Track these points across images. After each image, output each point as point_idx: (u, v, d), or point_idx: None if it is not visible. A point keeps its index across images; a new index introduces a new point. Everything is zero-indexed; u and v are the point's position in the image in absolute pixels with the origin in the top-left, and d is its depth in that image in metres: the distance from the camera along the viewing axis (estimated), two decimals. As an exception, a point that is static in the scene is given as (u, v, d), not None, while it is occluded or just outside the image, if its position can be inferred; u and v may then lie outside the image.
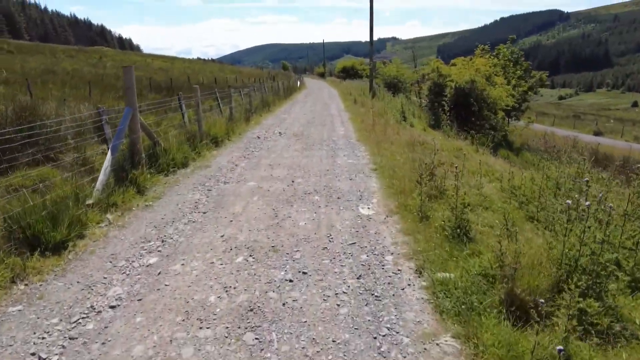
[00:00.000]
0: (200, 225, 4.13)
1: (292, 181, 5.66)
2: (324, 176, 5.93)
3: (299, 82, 38.17)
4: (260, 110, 14.63)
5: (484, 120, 11.24)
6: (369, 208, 4.50)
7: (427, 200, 4.40)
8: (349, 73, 50.29)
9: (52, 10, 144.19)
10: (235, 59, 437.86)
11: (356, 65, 52.03)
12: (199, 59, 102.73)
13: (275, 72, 74.82)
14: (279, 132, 10.34)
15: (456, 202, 3.82)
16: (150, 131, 5.89)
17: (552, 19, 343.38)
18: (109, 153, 4.78)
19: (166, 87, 22.72)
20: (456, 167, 4.09)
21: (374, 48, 22.53)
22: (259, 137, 9.64)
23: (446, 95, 11.58)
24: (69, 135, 6.95)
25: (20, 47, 39.46)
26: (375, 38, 22.32)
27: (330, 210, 4.46)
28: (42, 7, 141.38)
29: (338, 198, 4.89)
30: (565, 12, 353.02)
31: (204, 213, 4.47)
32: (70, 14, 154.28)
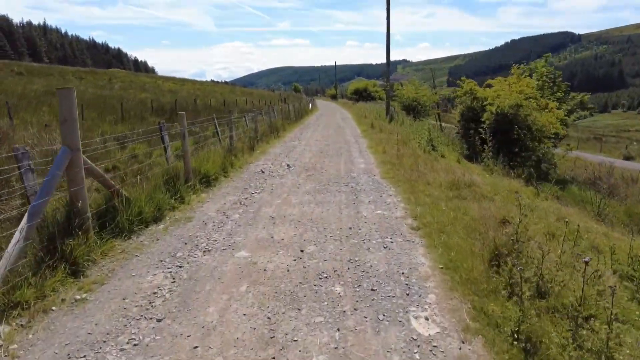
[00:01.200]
0: (144, 355, 2.43)
1: (301, 250, 3.95)
2: (346, 240, 4.21)
3: (310, 105, 37.04)
4: (267, 137, 13.13)
5: (530, 151, 9.49)
6: (427, 319, 2.74)
7: (522, 304, 2.63)
8: (361, 95, 49.04)
9: (71, 35, 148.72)
10: (248, 82, 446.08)
11: (369, 86, 50.75)
12: (212, 81, 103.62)
13: (286, 94, 74.51)
14: (287, 165, 8.72)
15: (605, 344, 2.04)
16: (105, 177, 4.28)
17: (564, 40, 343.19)
18: (25, 219, 3.16)
19: (171, 109, 21.56)
20: (586, 262, 2.33)
21: (391, 70, 21.13)
22: (262, 172, 8.03)
23: (483, 122, 9.88)
24: (14, 177, 5.41)
25: (31, 69, 39.38)
26: (386, 60, 20.95)
27: (362, 322, 2.72)
28: (63, 31, 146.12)
29: (372, 290, 3.14)
30: (577, 33, 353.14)
31: (158, 322, 2.77)
32: (89, 38, 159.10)
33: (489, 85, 11.39)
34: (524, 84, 10.04)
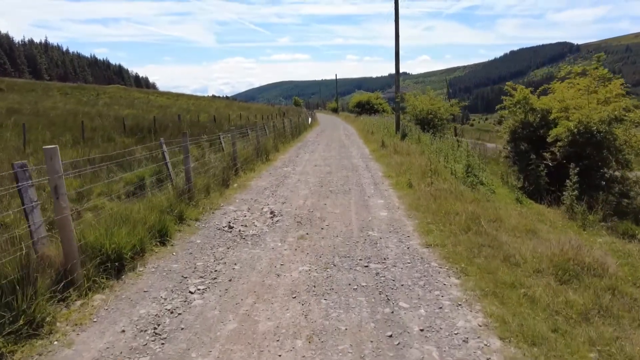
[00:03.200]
0: None
1: None
2: None
3: (310, 119, 34.38)
4: (253, 162, 10.27)
5: (622, 183, 6.62)
6: None
7: None
8: (364, 108, 46.28)
9: (73, 52, 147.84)
10: (250, 96, 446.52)
11: (372, 99, 47.97)
12: (213, 96, 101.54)
13: (286, 107, 72.05)
14: (271, 213, 5.84)
15: None
16: None
17: (563, 51, 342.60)
18: None
19: (149, 127, 18.80)
20: None
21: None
22: (230, 228, 5.14)
23: (550, 143, 6.98)
24: None
25: (13, 84, 37.07)
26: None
27: None
28: (64, 49, 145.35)
29: None
30: (575, 44, 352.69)
31: None
32: (91, 55, 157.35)
33: (545, 92, 8.49)
34: (615, 88, 7.02)
